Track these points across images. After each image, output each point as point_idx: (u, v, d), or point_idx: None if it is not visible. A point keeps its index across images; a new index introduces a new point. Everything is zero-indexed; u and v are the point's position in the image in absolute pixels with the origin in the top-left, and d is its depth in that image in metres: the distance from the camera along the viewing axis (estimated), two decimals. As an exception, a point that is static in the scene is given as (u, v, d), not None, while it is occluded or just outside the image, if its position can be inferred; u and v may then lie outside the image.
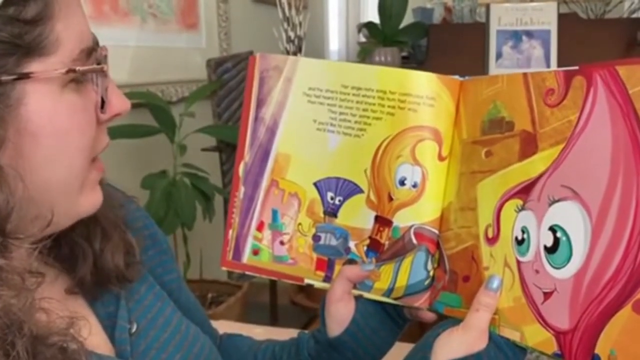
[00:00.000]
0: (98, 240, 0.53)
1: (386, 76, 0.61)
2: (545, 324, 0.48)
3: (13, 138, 0.40)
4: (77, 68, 0.43)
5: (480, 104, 0.57)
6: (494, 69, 2.15)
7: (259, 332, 1.19)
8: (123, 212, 0.57)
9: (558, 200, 0.48)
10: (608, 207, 0.44)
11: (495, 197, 0.53)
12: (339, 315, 0.64)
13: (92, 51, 0.45)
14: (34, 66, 0.41)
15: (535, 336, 0.49)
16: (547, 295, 0.48)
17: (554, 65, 2.09)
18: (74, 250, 0.52)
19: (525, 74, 0.52)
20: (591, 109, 0.46)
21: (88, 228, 0.52)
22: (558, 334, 0.47)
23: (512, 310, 0.51)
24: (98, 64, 0.45)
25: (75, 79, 0.44)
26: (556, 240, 0.47)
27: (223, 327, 0.75)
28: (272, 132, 0.65)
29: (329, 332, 0.64)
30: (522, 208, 0.51)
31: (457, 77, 0.60)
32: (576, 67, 0.47)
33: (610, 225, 0.44)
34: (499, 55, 2.15)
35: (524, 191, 0.51)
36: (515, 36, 2.13)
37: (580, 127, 0.46)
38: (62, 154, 0.43)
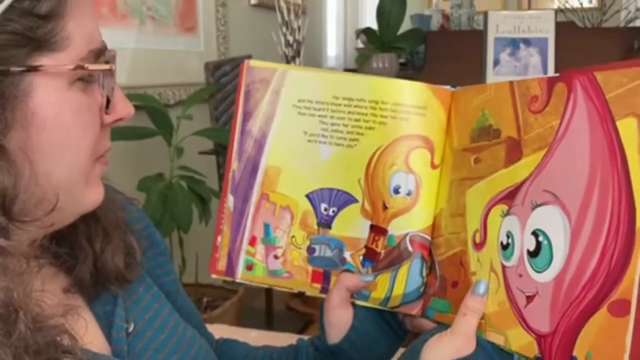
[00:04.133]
0: (99, 240, 0.53)
1: (378, 86, 0.61)
2: (528, 327, 0.48)
3: (19, 126, 0.41)
4: (85, 65, 0.43)
5: (469, 113, 0.57)
6: (491, 76, 2.15)
7: (254, 337, 1.18)
8: (124, 213, 0.57)
9: (540, 205, 0.48)
10: (586, 210, 0.44)
11: (482, 203, 0.54)
12: (338, 321, 0.64)
13: (101, 53, 0.46)
14: (43, 60, 0.42)
15: (518, 340, 0.49)
16: (529, 299, 0.48)
17: (551, 73, 2.09)
18: (74, 249, 0.52)
19: (511, 82, 0.53)
20: (571, 115, 0.47)
21: (90, 228, 0.52)
22: (539, 338, 0.47)
23: (497, 315, 0.51)
24: (110, 67, 0.46)
25: (82, 78, 0.45)
26: (538, 244, 0.48)
27: (218, 331, 0.75)
28: (260, 145, 0.64)
29: (328, 339, 0.64)
30: (507, 213, 0.51)
31: (448, 87, 0.61)
32: (557, 74, 0.48)
33: (588, 228, 0.44)
34: (496, 63, 2.15)
35: (509, 196, 0.51)
36: (513, 44, 2.14)
37: (561, 132, 0.47)
38: (65, 150, 0.44)
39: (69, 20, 0.43)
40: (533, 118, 0.50)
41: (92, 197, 0.48)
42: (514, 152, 0.51)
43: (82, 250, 0.52)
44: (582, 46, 2.11)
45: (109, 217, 0.54)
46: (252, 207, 0.64)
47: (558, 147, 0.47)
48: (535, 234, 0.48)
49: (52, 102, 0.42)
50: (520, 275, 0.49)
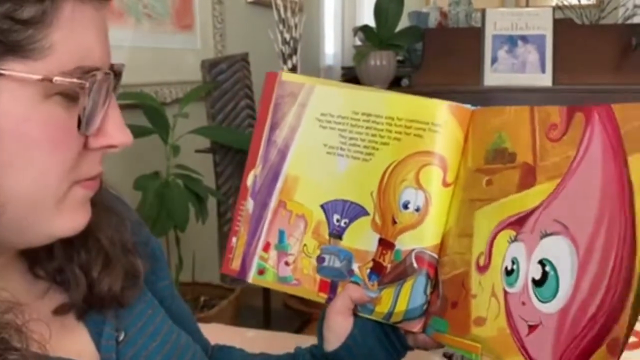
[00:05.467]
0: (97, 269, 0.51)
1: (395, 103, 0.62)
2: (529, 357, 0.48)
3: None
4: (55, 78, 0.40)
5: (486, 134, 0.57)
6: (489, 73, 2.15)
7: (252, 336, 1.18)
8: (133, 235, 0.55)
9: (549, 234, 0.48)
10: (594, 245, 0.44)
11: (490, 226, 0.54)
12: (338, 327, 0.64)
13: (94, 71, 0.42)
14: (13, 65, 0.39)
15: None
16: (532, 328, 0.48)
17: (549, 70, 2.09)
18: (65, 273, 0.51)
19: (532, 108, 0.52)
20: (587, 147, 0.46)
21: (90, 254, 0.51)
22: None
23: (495, 340, 0.51)
24: (92, 86, 0.42)
25: (63, 93, 0.41)
26: (544, 274, 0.47)
27: (215, 330, 0.74)
28: (282, 154, 0.66)
29: (326, 345, 0.64)
30: (515, 239, 0.51)
31: (468, 106, 0.61)
32: (579, 105, 0.48)
33: (595, 264, 0.44)
34: (494, 60, 2.15)
35: (518, 222, 0.51)
36: (511, 41, 2.14)
37: (576, 163, 0.47)
38: (27, 164, 0.41)
39: (55, 30, 0.40)
40: (550, 145, 0.49)
41: (66, 224, 0.45)
42: (528, 177, 0.51)
43: (75, 278, 0.50)
44: (580, 43, 2.11)
45: (114, 241, 0.52)
46: (269, 214, 0.66)
47: (572, 178, 0.47)
48: (542, 263, 0.48)
49: (16, 110, 0.40)
50: (524, 304, 0.49)
